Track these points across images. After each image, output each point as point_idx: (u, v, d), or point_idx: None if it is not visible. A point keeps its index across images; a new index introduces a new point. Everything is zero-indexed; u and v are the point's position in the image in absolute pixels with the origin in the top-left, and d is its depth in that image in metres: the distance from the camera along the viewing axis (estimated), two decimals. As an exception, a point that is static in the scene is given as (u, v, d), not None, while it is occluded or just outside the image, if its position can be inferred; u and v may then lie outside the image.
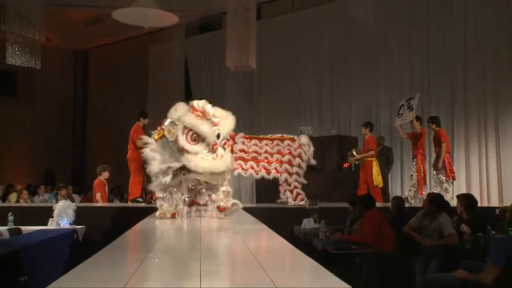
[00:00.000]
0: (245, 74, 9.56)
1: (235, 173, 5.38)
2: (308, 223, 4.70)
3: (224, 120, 3.27)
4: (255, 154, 5.52)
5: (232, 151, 4.60)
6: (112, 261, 1.80)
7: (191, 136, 3.11)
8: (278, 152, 5.60)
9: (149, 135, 3.62)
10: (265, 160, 5.51)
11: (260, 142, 5.60)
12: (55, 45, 11.92)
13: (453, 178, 6.16)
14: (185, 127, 3.11)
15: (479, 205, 4.44)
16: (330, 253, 3.70)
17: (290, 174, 5.60)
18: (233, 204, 3.32)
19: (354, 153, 6.65)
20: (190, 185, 3.51)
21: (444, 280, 3.04)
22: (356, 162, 6.76)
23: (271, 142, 5.65)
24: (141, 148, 5.63)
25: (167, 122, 3.25)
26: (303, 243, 4.22)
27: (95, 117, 13.92)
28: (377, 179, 6.36)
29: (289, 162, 5.59)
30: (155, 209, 3.75)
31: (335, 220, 4.70)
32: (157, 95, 11.93)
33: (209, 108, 3.19)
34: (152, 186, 3.52)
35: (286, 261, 2.00)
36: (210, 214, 3.53)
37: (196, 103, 3.21)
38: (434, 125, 6.23)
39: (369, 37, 8.99)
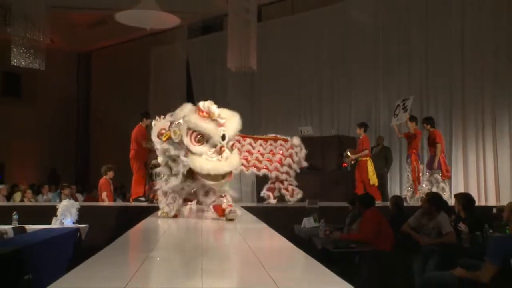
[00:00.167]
0: (246, 75, 9.61)
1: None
2: (308, 222, 4.73)
3: (230, 121, 3.20)
4: (246, 154, 5.57)
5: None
6: (114, 260, 1.81)
7: (195, 137, 3.07)
8: (270, 152, 5.64)
9: (150, 135, 3.67)
10: (256, 159, 5.54)
11: (255, 142, 5.64)
12: (59, 47, 12.01)
13: (449, 177, 6.25)
14: (189, 128, 3.08)
15: (476, 204, 4.49)
16: (329, 251, 3.73)
17: (281, 172, 5.64)
18: (231, 212, 3.31)
19: (349, 153, 6.73)
20: (192, 190, 3.50)
21: (442, 278, 3.07)
22: (352, 162, 6.82)
23: (265, 142, 5.70)
24: (148, 148, 5.72)
25: (174, 123, 3.24)
26: (303, 242, 4.25)
27: (97, 118, 14.00)
28: (373, 178, 6.42)
29: (280, 161, 5.63)
30: (157, 208, 3.79)
31: (335, 219, 4.74)
32: (159, 96, 12.00)
33: (214, 108, 3.14)
34: (157, 192, 3.56)
35: (286, 260, 2.01)
36: (211, 215, 3.56)
37: (202, 103, 3.16)
38: (429, 126, 6.28)
39: (368, 38, 9.04)
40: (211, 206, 3.42)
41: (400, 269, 3.80)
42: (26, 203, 7.45)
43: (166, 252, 2.19)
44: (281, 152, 5.67)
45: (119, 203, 7.61)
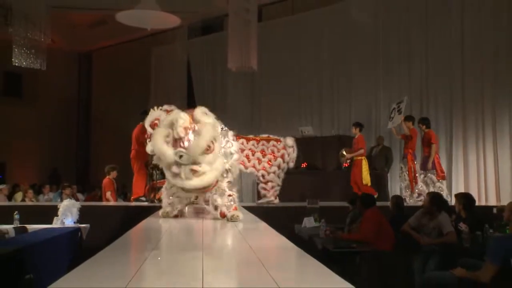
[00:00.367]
0: (247, 75, 9.62)
1: None
2: (308, 222, 4.74)
3: (202, 130, 3.05)
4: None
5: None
6: (115, 259, 1.81)
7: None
8: (261, 151, 5.61)
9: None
10: (246, 156, 5.52)
11: (247, 143, 5.63)
12: (59, 47, 12.03)
13: (443, 178, 6.26)
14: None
15: (477, 204, 4.49)
16: (330, 251, 3.73)
17: (268, 172, 5.61)
18: (233, 216, 3.29)
19: (344, 153, 6.76)
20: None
21: (442, 278, 3.07)
22: (348, 161, 6.84)
23: (257, 142, 5.67)
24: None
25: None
26: (304, 241, 4.26)
27: (98, 118, 14.02)
28: (366, 177, 6.44)
29: (269, 162, 5.60)
30: (158, 208, 3.80)
31: (335, 219, 4.74)
32: (159, 96, 11.98)
33: (180, 122, 3.05)
34: (161, 190, 3.58)
35: (287, 259, 2.01)
36: (212, 216, 3.56)
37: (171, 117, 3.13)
38: (424, 126, 6.32)
39: (368, 38, 9.05)
40: (213, 206, 3.41)
41: (400, 269, 3.81)
42: (27, 203, 7.46)
43: (166, 252, 2.20)
44: (271, 152, 5.63)
45: (120, 202, 7.63)
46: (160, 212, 3.58)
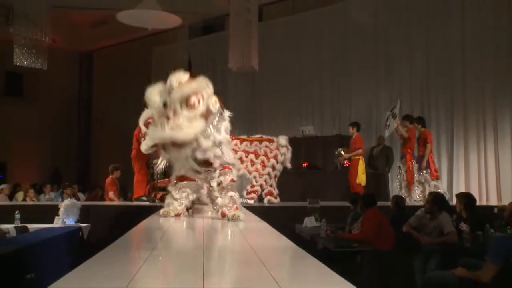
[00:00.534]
0: (247, 75, 9.62)
1: None
2: (309, 222, 4.75)
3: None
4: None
5: None
6: (116, 259, 1.80)
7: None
8: (254, 152, 5.59)
9: None
10: (239, 158, 5.51)
11: (241, 144, 5.61)
12: (60, 47, 12.03)
13: (437, 178, 6.29)
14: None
15: (478, 203, 4.49)
16: (331, 251, 3.75)
17: (260, 174, 5.59)
18: (234, 216, 3.31)
19: (342, 152, 6.75)
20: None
21: (443, 278, 3.07)
22: (345, 161, 6.83)
23: (250, 143, 5.65)
24: None
25: None
26: (305, 241, 4.27)
27: (99, 117, 14.03)
28: (361, 177, 6.43)
29: (262, 163, 5.58)
30: (159, 208, 3.81)
31: (336, 218, 4.75)
32: (160, 96, 11.99)
33: (173, 80, 3.11)
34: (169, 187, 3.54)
35: (288, 259, 2.01)
36: (212, 215, 3.57)
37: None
38: (420, 126, 6.34)
39: (369, 38, 9.06)
40: (216, 206, 3.41)
41: (401, 268, 3.81)
42: (29, 202, 7.48)
43: (167, 251, 2.20)
44: (264, 153, 5.60)
45: (121, 202, 7.64)
46: (161, 211, 3.58)
